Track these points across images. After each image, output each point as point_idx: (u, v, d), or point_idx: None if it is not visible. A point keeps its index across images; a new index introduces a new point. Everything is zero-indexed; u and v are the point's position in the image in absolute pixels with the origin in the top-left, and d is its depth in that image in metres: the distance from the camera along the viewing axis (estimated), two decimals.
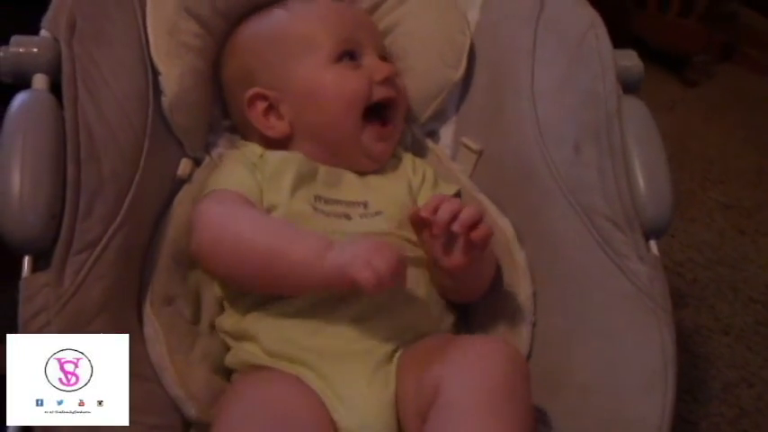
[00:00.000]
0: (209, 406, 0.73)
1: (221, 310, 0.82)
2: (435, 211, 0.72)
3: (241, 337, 0.78)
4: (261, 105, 0.88)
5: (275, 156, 0.85)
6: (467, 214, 0.71)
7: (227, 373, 0.79)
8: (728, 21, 2.19)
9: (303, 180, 0.83)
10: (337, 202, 0.83)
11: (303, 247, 0.71)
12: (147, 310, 0.75)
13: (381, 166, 0.90)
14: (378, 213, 0.84)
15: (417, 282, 0.79)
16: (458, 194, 0.91)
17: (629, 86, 0.77)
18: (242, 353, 0.77)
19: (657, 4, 2.13)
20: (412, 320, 0.77)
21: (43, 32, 0.74)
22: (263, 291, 0.76)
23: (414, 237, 0.81)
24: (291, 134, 0.88)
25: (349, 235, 0.78)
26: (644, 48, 2.04)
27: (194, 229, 0.78)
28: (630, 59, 0.79)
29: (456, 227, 0.71)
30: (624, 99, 0.75)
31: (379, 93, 0.86)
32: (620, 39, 0.80)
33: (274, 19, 0.91)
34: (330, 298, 0.74)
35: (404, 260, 0.68)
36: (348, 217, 0.82)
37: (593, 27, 0.79)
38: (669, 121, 1.92)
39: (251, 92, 0.88)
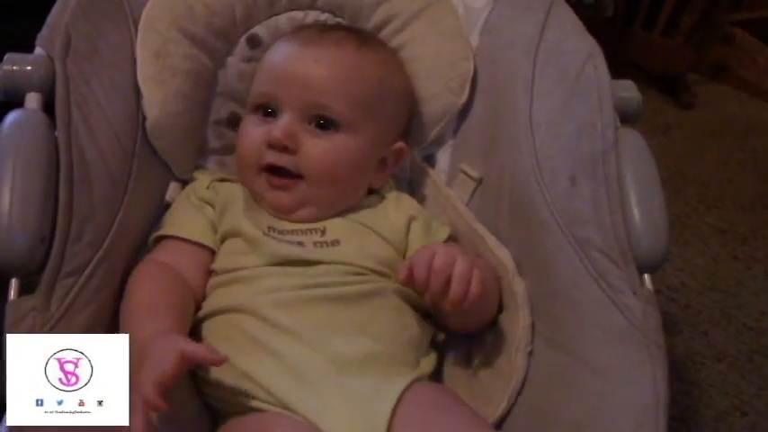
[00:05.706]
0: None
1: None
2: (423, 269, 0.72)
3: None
4: None
5: (223, 186, 0.87)
6: (459, 273, 0.72)
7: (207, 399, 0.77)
8: (717, 41, 2.20)
9: (251, 208, 0.84)
10: (291, 231, 0.83)
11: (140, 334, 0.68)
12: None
13: (285, 216, 0.84)
14: (335, 242, 0.82)
15: (382, 311, 0.78)
16: (451, 238, 0.89)
17: (626, 118, 0.77)
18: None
19: (643, 22, 2.14)
20: (378, 348, 0.75)
21: (38, 50, 0.73)
22: None
23: (377, 267, 0.81)
24: None
25: (301, 261, 0.79)
26: (639, 71, 2.07)
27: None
28: (629, 90, 0.79)
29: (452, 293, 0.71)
30: (621, 131, 0.74)
31: (267, 157, 0.83)
32: (616, 64, 0.79)
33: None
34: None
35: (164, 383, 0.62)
36: (301, 244, 0.81)
37: (592, 57, 0.79)
38: (664, 145, 1.93)
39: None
